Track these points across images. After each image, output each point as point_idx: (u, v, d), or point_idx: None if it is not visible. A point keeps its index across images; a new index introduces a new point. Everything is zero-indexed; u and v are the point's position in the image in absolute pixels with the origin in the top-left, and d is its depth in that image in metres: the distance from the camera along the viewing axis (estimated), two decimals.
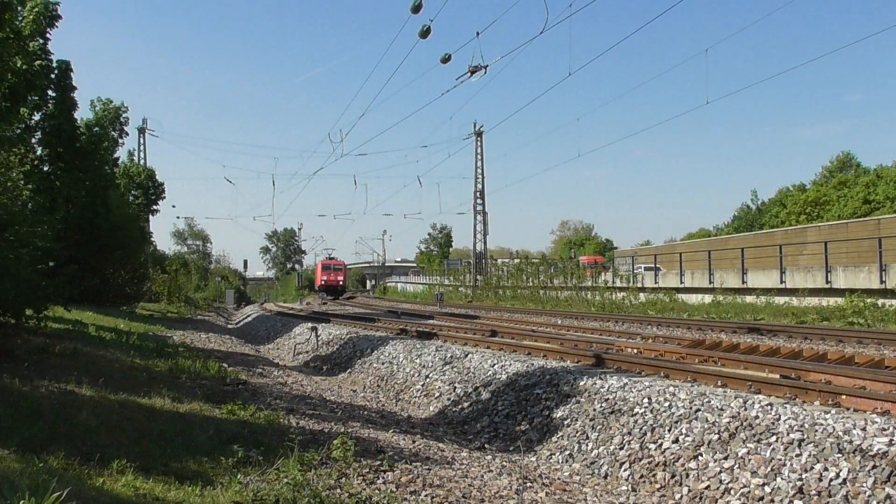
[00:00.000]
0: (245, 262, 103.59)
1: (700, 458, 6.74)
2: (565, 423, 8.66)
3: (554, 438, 8.49)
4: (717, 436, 6.87)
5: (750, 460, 6.32)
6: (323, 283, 60.71)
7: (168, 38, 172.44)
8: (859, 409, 6.91)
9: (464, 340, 15.13)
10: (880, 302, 19.07)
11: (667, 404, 7.83)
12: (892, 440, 5.74)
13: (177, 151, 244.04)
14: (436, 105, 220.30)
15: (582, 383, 9.29)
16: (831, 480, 5.65)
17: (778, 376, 8.65)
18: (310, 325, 21.36)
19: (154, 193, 37.87)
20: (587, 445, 7.98)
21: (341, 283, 61.91)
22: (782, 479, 5.92)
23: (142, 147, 45.42)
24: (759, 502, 5.89)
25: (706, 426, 7.09)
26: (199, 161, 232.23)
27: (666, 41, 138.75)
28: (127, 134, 30.93)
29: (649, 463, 7.11)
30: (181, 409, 7.55)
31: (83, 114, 26.19)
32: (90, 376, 7.93)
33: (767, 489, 5.92)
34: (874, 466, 5.56)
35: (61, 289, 10.30)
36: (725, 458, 6.53)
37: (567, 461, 7.91)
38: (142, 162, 42.96)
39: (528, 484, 6.71)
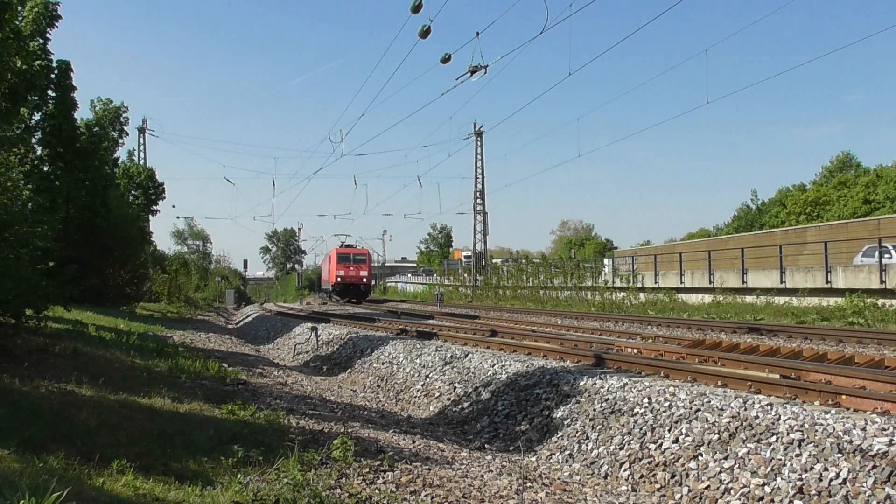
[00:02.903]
0: (245, 263, 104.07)
1: (700, 458, 6.74)
2: (565, 423, 8.66)
3: (554, 438, 8.49)
4: (717, 436, 6.87)
5: (750, 460, 6.32)
6: (339, 280, 42.68)
7: (168, 38, 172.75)
8: (859, 409, 6.91)
9: (464, 340, 15.12)
10: (880, 302, 19.07)
11: (667, 404, 7.83)
12: (892, 440, 5.74)
13: (177, 151, 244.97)
14: (436, 105, 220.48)
15: (582, 383, 9.29)
16: (831, 480, 5.65)
17: (778, 376, 8.64)
18: (310, 325, 21.36)
19: (154, 193, 37.90)
20: (587, 445, 7.98)
21: (365, 280, 43.74)
22: (782, 479, 5.92)
23: (142, 147, 45.54)
24: (759, 502, 5.89)
25: (706, 426, 7.08)
26: (199, 161, 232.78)
27: (666, 41, 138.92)
28: (127, 134, 30.98)
29: (649, 463, 7.11)
30: (181, 409, 7.55)
31: (83, 114, 26.23)
32: (90, 376, 7.93)
33: (767, 489, 5.92)
34: (874, 466, 5.56)
35: (61, 289, 10.28)
36: (725, 458, 6.53)
37: (567, 461, 7.90)
38: (142, 162, 42.99)
39: (528, 484, 6.71)
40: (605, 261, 45.15)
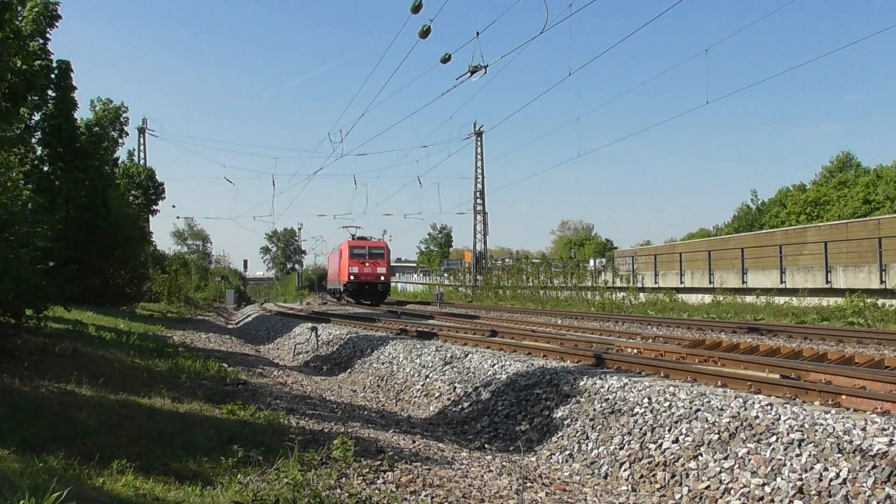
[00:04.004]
0: (245, 263, 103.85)
1: (700, 458, 6.74)
2: (565, 423, 8.66)
3: (554, 438, 8.49)
4: (717, 436, 6.87)
5: (750, 460, 6.32)
6: (352, 278, 36.43)
7: (168, 38, 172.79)
8: (859, 409, 6.91)
9: (464, 340, 15.12)
10: (880, 302, 19.07)
11: (667, 404, 7.83)
12: (892, 440, 5.74)
13: (177, 151, 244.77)
14: (436, 105, 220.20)
15: (582, 383, 9.29)
16: (831, 480, 5.65)
17: (778, 376, 8.64)
18: (310, 325, 21.36)
19: (154, 193, 37.90)
20: (587, 445, 7.98)
21: (383, 278, 37.42)
22: (782, 479, 5.92)
23: (142, 147, 45.56)
24: (759, 502, 5.89)
25: (706, 426, 7.09)
26: (199, 161, 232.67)
27: (666, 41, 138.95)
28: (127, 134, 30.92)
29: (649, 463, 7.11)
30: (181, 409, 7.55)
31: (83, 114, 26.21)
32: (90, 376, 7.93)
33: (767, 489, 5.92)
34: (874, 466, 5.56)
35: (61, 289, 10.29)
36: (725, 458, 6.53)
37: (567, 461, 7.90)
38: (142, 162, 43.00)
39: (528, 484, 6.71)
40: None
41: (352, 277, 36.56)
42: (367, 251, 37.27)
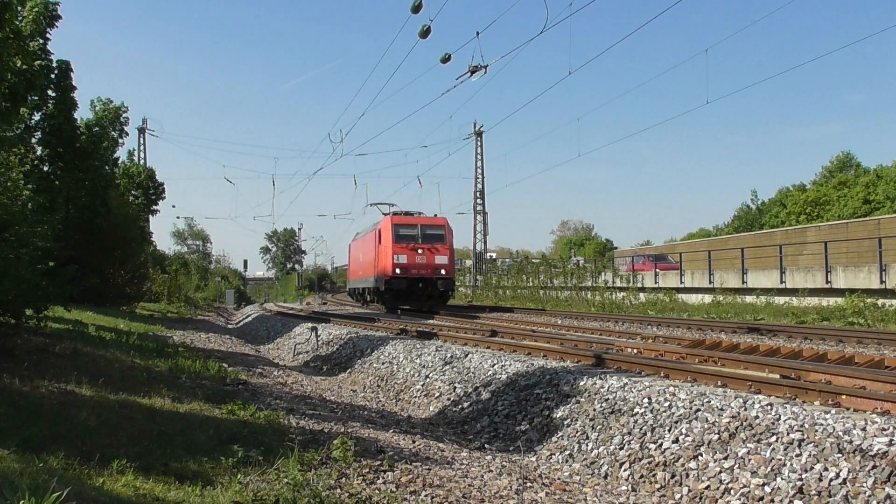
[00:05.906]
0: (245, 263, 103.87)
1: (700, 458, 6.74)
2: (565, 423, 8.66)
3: (554, 438, 8.49)
4: (717, 436, 6.87)
5: (750, 460, 6.32)
6: (398, 272, 25.36)
7: (168, 38, 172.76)
8: (859, 409, 6.90)
9: (464, 340, 15.12)
10: (880, 302, 19.07)
11: (667, 404, 7.83)
12: (892, 440, 5.73)
13: (177, 151, 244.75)
14: (436, 105, 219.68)
15: (582, 383, 9.29)
16: (831, 480, 5.65)
17: (778, 376, 8.64)
18: (310, 325, 21.36)
19: (154, 193, 37.91)
20: (587, 445, 7.98)
21: (445, 270, 26.06)
22: (782, 479, 5.92)
23: (142, 147, 45.59)
24: (759, 502, 5.89)
25: (706, 426, 7.08)
26: (199, 161, 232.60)
27: (666, 41, 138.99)
28: (127, 134, 30.89)
29: (649, 463, 7.11)
30: (181, 408, 7.55)
31: (83, 114, 26.19)
32: (90, 376, 7.93)
33: (767, 489, 5.92)
34: (874, 466, 5.55)
35: (61, 289, 10.28)
36: (725, 458, 6.53)
37: (567, 461, 7.90)
38: (142, 162, 43.02)
39: (528, 484, 6.71)
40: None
41: (398, 271, 25.25)
42: (419, 231, 25.82)
